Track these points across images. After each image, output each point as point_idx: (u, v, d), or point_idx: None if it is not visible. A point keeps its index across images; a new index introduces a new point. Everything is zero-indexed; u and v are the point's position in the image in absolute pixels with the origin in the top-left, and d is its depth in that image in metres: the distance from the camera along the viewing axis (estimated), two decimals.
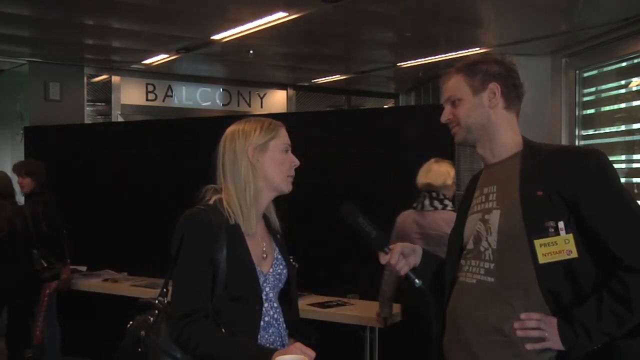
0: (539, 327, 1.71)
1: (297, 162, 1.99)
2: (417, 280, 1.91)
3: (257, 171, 1.92)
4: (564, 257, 1.71)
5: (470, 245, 1.90)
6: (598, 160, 1.76)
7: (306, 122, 5.00)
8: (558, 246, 1.71)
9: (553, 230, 1.71)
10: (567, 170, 1.74)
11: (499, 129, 1.88)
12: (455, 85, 1.90)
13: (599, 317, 1.67)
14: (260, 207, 1.96)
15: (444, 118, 1.94)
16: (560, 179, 1.74)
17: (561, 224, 1.71)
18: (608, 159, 1.79)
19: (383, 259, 1.93)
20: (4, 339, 4.70)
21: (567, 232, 1.71)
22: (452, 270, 1.95)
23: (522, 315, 1.73)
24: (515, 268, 1.76)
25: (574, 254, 1.71)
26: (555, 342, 1.70)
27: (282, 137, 1.98)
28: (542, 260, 1.72)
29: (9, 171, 5.07)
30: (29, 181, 4.85)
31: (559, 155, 1.81)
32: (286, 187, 1.99)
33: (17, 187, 4.86)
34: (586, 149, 1.84)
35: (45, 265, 4.61)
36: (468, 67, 1.89)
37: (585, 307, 1.69)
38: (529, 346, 1.72)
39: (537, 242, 1.72)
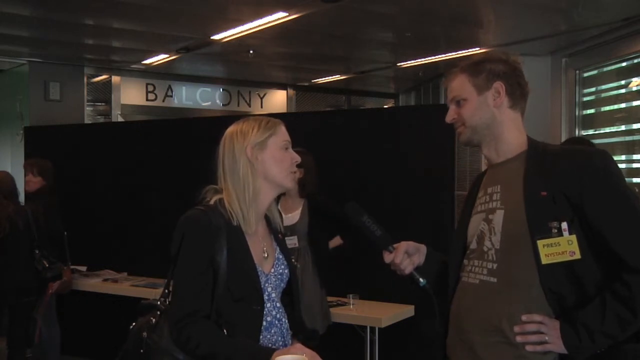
0: (539, 331, 1.70)
1: (298, 159, 1.98)
2: (421, 280, 1.91)
3: (256, 170, 1.91)
4: (566, 258, 1.70)
5: (473, 245, 1.89)
6: (603, 161, 1.75)
7: (306, 122, 5.00)
8: (561, 247, 1.70)
9: (556, 231, 1.70)
10: (572, 171, 1.73)
11: (504, 128, 1.87)
12: (459, 85, 1.89)
13: (602, 319, 1.66)
14: (260, 207, 1.95)
15: (449, 118, 1.93)
16: (565, 180, 1.72)
17: (564, 225, 1.70)
18: (613, 160, 1.79)
19: (387, 257, 1.93)
20: (4, 339, 4.70)
21: (570, 233, 1.70)
22: (455, 270, 1.94)
23: (524, 317, 1.73)
24: (518, 268, 1.75)
25: (577, 255, 1.70)
26: (557, 345, 1.69)
27: (281, 134, 1.96)
28: (544, 261, 1.71)
29: (8, 170, 5.06)
30: (38, 180, 4.86)
31: (564, 156, 1.80)
32: (288, 183, 1.98)
33: (20, 187, 4.86)
34: (591, 150, 1.83)
35: (47, 265, 4.60)
36: (472, 66, 1.88)
37: (588, 310, 1.68)
38: (530, 348, 1.72)
39: (540, 243, 1.71)
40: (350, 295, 4.18)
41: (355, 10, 4.95)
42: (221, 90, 8.75)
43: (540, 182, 1.75)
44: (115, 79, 7.86)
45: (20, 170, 5.08)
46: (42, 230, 4.64)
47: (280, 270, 1.99)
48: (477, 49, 6.12)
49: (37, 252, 4.56)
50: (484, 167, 2.22)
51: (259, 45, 6.22)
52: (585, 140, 4.19)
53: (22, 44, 6.45)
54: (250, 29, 5.45)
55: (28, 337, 4.61)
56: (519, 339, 1.73)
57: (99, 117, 7.88)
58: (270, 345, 1.89)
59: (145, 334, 1.90)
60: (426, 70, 7.59)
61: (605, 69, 5.86)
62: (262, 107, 9.03)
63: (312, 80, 8.77)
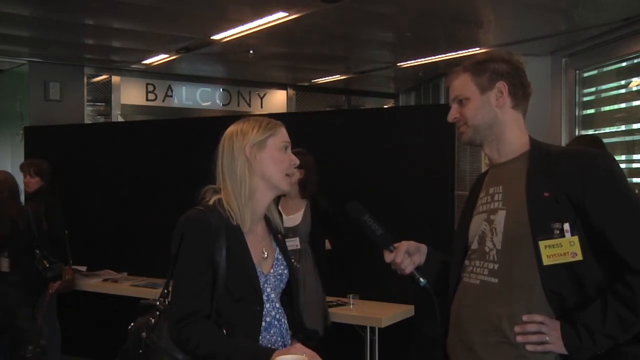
0: (540, 331, 1.70)
1: (296, 161, 1.98)
2: (421, 279, 1.91)
3: (254, 169, 1.91)
4: (568, 259, 1.69)
5: (474, 246, 1.89)
6: (605, 162, 1.75)
7: (306, 122, 5.00)
8: (563, 248, 1.69)
9: (558, 232, 1.70)
10: (575, 172, 1.73)
11: (506, 128, 1.86)
12: (462, 84, 1.88)
13: (603, 320, 1.66)
14: (257, 207, 1.94)
15: (451, 117, 1.92)
16: (568, 181, 1.72)
17: (567, 226, 1.70)
18: (616, 161, 1.78)
19: (388, 257, 1.93)
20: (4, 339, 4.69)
21: (572, 234, 1.69)
22: (456, 271, 1.94)
23: (525, 317, 1.72)
24: (519, 269, 1.75)
25: (579, 257, 1.69)
26: (557, 345, 1.69)
27: (281, 135, 1.96)
28: (546, 262, 1.70)
29: (8, 170, 5.06)
30: (37, 180, 4.87)
31: (567, 157, 1.80)
32: (284, 186, 1.97)
33: (21, 186, 4.86)
34: (594, 151, 1.83)
35: (47, 265, 4.60)
36: (475, 65, 1.88)
37: (589, 310, 1.68)
38: (530, 347, 1.71)
39: (541, 244, 1.70)
40: (350, 295, 4.18)
41: (355, 10, 4.95)
42: (221, 90, 8.75)
43: (543, 183, 1.75)
44: (115, 79, 7.85)
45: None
46: (42, 230, 4.64)
47: (280, 271, 1.99)
48: (477, 49, 6.12)
49: (37, 252, 4.57)
50: (484, 168, 2.22)
51: (259, 45, 6.22)
52: (596, 138, 4.14)
53: (22, 44, 6.45)
54: (250, 29, 5.44)
55: (28, 337, 4.61)
56: (519, 339, 1.72)
57: (99, 117, 7.87)
58: (269, 345, 1.89)
59: (144, 334, 1.90)
60: (426, 70, 7.59)
61: (605, 69, 5.86)
62: (262, 107, 9.03)
63: (312, 80, 8.77)
